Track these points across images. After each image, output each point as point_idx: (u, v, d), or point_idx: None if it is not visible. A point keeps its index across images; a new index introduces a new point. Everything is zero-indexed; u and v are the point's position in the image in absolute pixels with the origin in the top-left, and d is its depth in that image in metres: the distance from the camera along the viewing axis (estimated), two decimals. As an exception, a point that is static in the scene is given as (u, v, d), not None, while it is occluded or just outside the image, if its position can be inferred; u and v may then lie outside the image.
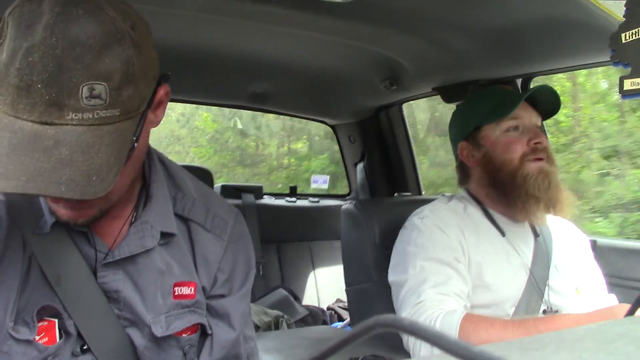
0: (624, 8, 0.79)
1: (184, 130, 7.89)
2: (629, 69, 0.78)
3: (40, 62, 0.65)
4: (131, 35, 0.71)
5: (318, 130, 7.05)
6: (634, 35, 0.77)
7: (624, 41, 0.78)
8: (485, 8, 1.37)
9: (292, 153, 7.71)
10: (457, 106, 1.57)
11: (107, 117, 0.70)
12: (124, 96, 0.70)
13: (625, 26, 0.79)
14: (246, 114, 7.32)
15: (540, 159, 1.33)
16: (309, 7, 1.40)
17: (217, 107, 7.22)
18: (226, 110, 7.20)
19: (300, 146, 7.68)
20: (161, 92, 0.81)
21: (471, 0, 1.33)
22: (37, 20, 0.66)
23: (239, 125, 7.90)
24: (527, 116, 1.37)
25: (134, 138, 0.75)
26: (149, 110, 0.78)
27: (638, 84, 0.76)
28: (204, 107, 7.40)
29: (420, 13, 1.46)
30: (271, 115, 7.22)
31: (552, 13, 1.30)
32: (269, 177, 7.48)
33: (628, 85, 0.78)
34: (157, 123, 0.83)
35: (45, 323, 0.81)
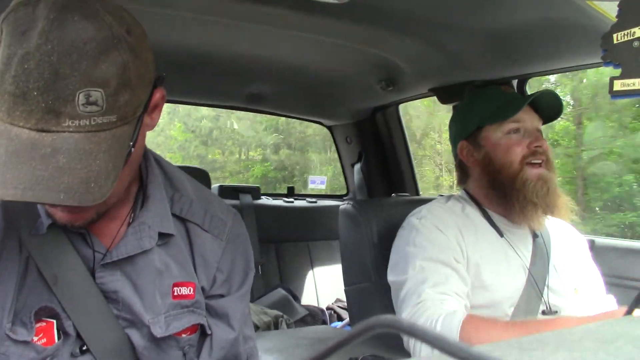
0: (617, 9, 0.79)
1: (160, 138, 8.74)
2: (619, 70, 0.78)
3: (36, 69, 0.65)
4: (127, 40, 0.71)
5: (267, 141, 8.45)
6: (625, 37, 0.77)
7: (615, 42, 0.78)
8: (481, 10, 1.37)
9: (250, 160, 8.91)
10: (457, 105, 1.57)
11: (104, 124, 0.69)
12: (120, 102, 0.70)
13: (617, 27, 0.79)
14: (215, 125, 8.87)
15: (540, 165, 1.33)
16: (306, 8, 1.41)
17: (185, 121, 8.80)
18: (189, 123, 8.65)
19: (257, 154, 8.92)
20: (157, 95, 0.80)
21: (467, 2, 1.34)
22: (32, 26, 0.66)
23: (235, 126, 8.99)
24: (529, 119, 1.37)
25: (131, 143, 0.75)
26: (145, 114, 0.78)
27: (628, 85, 0.76)
28: (177, 118, 8.77)
29: (416, 14, 1.46)
30: (235, 126, 8.85)
31: (548, 15, 1.30)
32: (227, 181, 8.31)
33: (618, 86, 0.78)
34: (153, 126, 0.83)
35: (44, 324, 0.81)
